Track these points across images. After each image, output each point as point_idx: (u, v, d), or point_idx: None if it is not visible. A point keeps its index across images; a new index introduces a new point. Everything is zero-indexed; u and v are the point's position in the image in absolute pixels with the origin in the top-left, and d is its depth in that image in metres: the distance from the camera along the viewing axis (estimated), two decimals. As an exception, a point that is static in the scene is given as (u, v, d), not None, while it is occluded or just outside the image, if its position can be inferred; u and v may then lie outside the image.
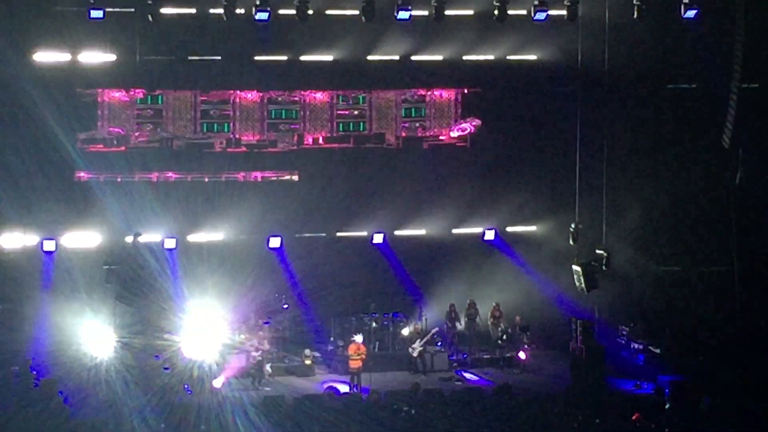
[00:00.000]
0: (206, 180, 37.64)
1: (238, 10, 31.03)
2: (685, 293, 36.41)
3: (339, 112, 38.48)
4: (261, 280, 37.33)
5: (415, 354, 35.52)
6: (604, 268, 32.66)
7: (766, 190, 35.96)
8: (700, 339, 35.41)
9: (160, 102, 37.41)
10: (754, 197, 36.03)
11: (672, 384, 31.51)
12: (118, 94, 37.00)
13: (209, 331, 33.97)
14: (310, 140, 38.31)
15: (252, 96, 37.91)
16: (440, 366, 35.82)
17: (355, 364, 33.65)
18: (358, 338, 34.65)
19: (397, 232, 38.77)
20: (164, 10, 32.34)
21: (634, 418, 28.43)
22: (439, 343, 36.35)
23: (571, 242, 33.44)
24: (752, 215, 36.27)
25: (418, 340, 35.62)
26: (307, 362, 35.47)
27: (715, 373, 32.35)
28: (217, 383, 32.69)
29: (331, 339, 36.65)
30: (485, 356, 36.79)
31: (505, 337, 36.71)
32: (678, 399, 30.32)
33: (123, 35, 33.83)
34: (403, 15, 31.28)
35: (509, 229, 39.47)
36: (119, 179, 36.78)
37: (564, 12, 31.87)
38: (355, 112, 38.61)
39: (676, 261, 37.38)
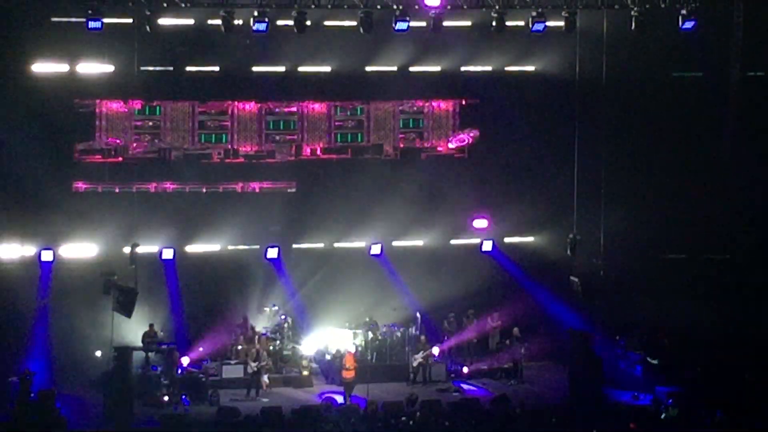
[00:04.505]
0: (204, 191, 37.65)
1: (236, 22, 31.04)
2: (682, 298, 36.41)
3: (337, 122, 38.50)
4: (259, 291, 37.48)
5: (415, 363, 35.51)
6: (601, 278, 32.72)
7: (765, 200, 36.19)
8: (698, 349, 35.42)
9: (158, 113, 37.43)
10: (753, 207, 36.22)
11: (670, 395, 31.53)
12: (116, 105, 37.00)
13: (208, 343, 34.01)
14: (308, 151, 38.33)
15: (249, 107, 37.93)
16: (438, 377, 35.79)
17: (348, 374, 33.65)
18: (351, 348, 34.69)
19: (394, 243, 38.77)
20: (162, 21, 32.31)
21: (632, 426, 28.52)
22: (437, 357, 36.29)
23: (569, 253, 33.47)
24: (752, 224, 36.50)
25: (421, 352, 35.62)
26: (305, 373, 35.44)
27: (713, 383, 32.41)
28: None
29: (329, 350, 36.57)
30: (483, 367, 36.73)
31: (503, 348, 36.67)
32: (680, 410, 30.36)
33: (121, 46, 33.80)
34: (401, 26, 31.24)
35: (507, 239, 39.50)
36: (117, 190, 36.77)
37: (562, 23, 31.84)
38: (353, 123, 38.63)
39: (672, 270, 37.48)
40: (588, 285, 32.90)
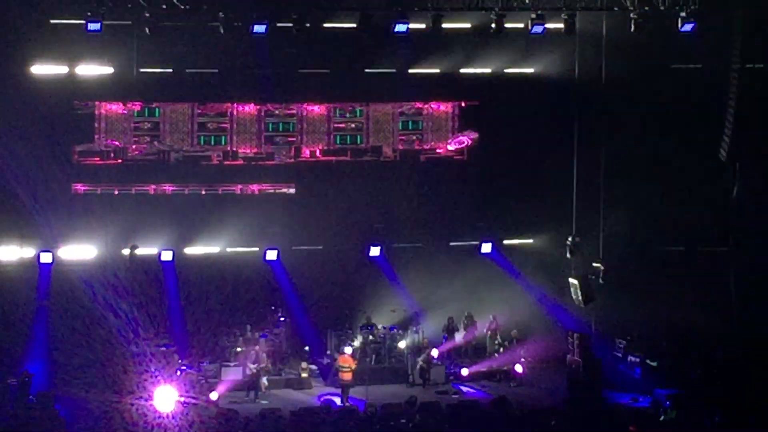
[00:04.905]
0: (203, 193, 37.65)
1: (235, 23, 31.03)
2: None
3: (336, 125, 38.50)
4: (258, 293, 37.45)
5: (417, 366, 35.51)
6: (601, 281, 32.72)
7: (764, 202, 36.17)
8: (698, 350, 35.41)
9: (157, 115, 37.43)
10: (751, 209, 36.20)
11: (669, 397, 31.52)
12: (115, 107, 37.01)
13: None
14: (307, 153, 38.33)
15: (249, 109, 37.93)
16: (437, 379, 35.76)
17: (345, 375, 33.62)
18: (348, 350, 34.69)
19: (394, 245, 38.73)
20: (162, 23, 32.31)
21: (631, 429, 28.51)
22: (435, 358, 36.27)
23: (568, 255, 33.47)
24: (749, 226, 36.48)
25: (423, 354, 35.62)
26: (304, 375, 35.42)
27: (712, 385, 32.39)
28: (214, 396, 32.68)
29: (327, 352, 36.58)
30: (482, 369, 36.70)
31: (501, 350, 36.66)
32: (679, 412, 30.35)
33: (120, 48, 33.83)
34: (400, 28, 31.27)
35: (506, 241, 39.49)
36: (116, 192, 36.81)
37: (561, 25, 31.87)
38: (352, 125, 38.63)
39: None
40: (587, 287, 32.89)
